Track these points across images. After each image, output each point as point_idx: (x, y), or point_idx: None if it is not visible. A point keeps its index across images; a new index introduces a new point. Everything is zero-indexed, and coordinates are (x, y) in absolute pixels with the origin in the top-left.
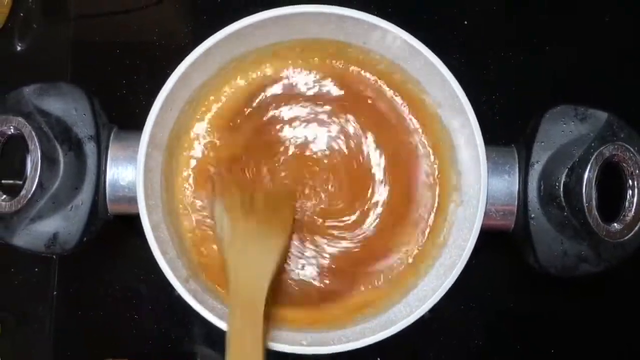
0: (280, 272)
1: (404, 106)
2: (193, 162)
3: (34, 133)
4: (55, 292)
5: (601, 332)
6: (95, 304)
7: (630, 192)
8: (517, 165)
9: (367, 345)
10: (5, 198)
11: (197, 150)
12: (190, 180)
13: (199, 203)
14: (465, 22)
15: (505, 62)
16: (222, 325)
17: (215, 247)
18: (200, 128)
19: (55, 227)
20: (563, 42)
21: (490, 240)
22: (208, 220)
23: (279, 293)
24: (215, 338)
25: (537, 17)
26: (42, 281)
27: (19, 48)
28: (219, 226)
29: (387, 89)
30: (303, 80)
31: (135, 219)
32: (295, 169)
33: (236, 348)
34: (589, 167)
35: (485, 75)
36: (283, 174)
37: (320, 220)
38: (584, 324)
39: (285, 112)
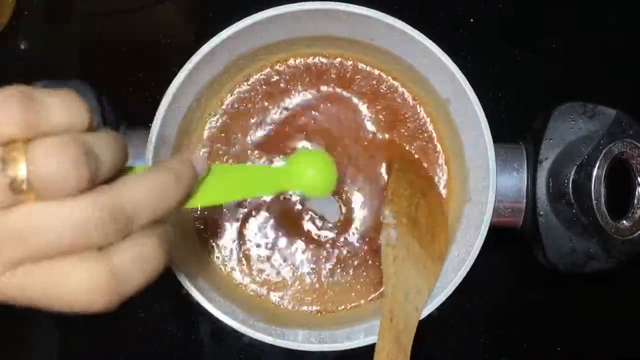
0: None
1: (413, 102)
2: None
3: None
4: None
5: (610, 330)
6: None
7: (639, 189)
8: (525, 162)
9: (374, 343)
10: None
11: (206, 147)
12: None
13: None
14: (472, 20)
15: (512, 59)
16: (229, 322)
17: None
18: (208, 125)
19: None
20: (571, 38)
21: (498, 237)
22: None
23: None
24: (222, 335)
25: (544, 14)
26: None
27: (23, 47)
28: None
29: (396, 85)
30: (311, 76)
31: None
32: None
33: None
34: (597, 164)
35: (492, 72)
36: None
37: None
38: (592, 321)
39: (293, 107)
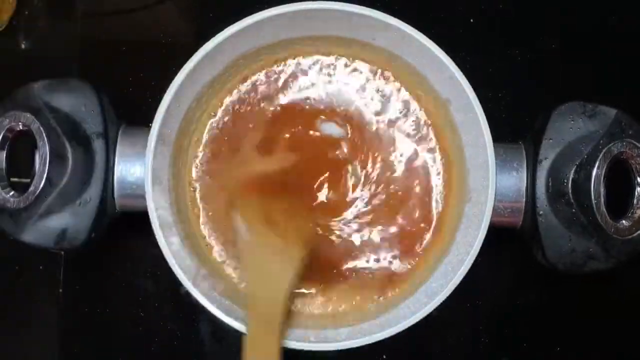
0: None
1: (413, 102)
2: (202, 159)
3: (42, 129)
4: (61, 290)
5: (609, 330)
6: (101, 302)
7: (638, 188)
8: (525, 162)
9: (373, 343)
10: (14, 194)
11: (206, 147)
12: (199, 176)
13: (208, 199)
14: (472, 20)
15: (512, 59)
16: (229, 321)
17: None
18: (208, 124)
19: (64, 223)
20: (570, 38)
21: (498, 236)
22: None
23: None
24: (223, 335)
25: (544, 14)
26: (48, 279)
27: (24, 46)
28: (238, 237)
29: (396, 85)
30: (311, 76)
31: (142, 216)
32: (310, 163)
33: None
34: (597, 163)
35: (492, 72)
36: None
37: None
38: (591, 321)
39: (294, 107)
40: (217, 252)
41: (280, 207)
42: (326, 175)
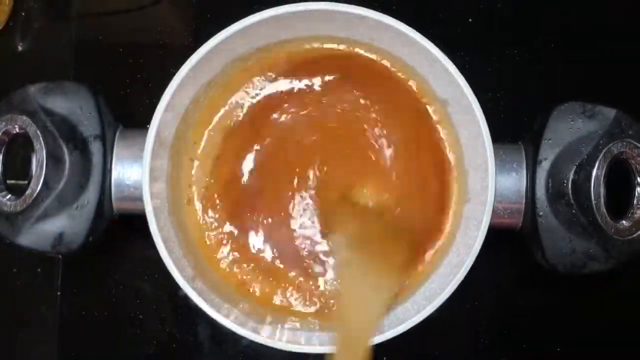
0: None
1: (411, 103)
2: (200, 160)
3: (39, 132)
4: (59, 293)
5: (610, 330)
6: (99, 305)
7: (638, 189)
8: (524, 162)
9: (373, 345)
10: (10, 198)
11: (205, 148)
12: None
13: (206, 201)
14: (470, 20)
15: (510, 59)
16: (228, 324)
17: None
18: (206, 125)
19: (61, 226)
20: (569, 38)
21: (498, 238)
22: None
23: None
24: (221, 338)
25: (543, 14)
26: (45, 282)
27: (20, 48)
28: (338, 258)
29: (395, 85)
30: (310, 76)
31: (140, 218)
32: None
33: None
34: (597, 164)
35: (491, 72)
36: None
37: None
38: (591, 322)
39: (293, 107)
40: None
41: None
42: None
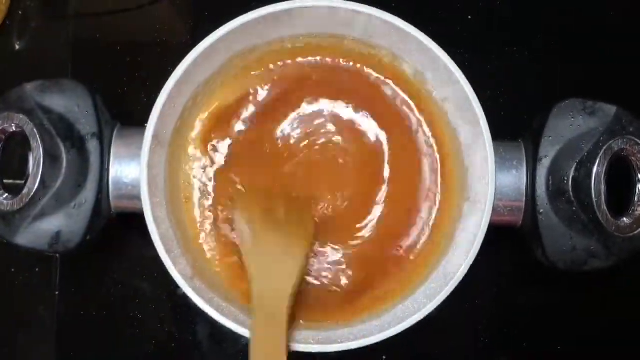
0: (302, 281)
1: (410, 101)
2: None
3: (36, 130)
4: (57, 292)
5: (610, 328)
6: (97, 304)
7: (639, 185)
8: (524, 160)
9: (373, 344)
10: (7, 197)
11: (202, 146)
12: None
13: (204, 200)
14: (470, 17)
15: (510, 58)
16: (227, 323)
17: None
18: (204, 124)
19: (58, 225)
20: (569, 35)
21: (498, 236)
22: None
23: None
24: (220, 337)
25: (542, 11)
26: (43, 281)
27: (17, 47)
28: (240, 236)
29: (392, 84)
30: (307, 76)
31: (138, 217)
32: (305, 166)
33: (259, 357)
34: (597, 161)
35: (490, 70)
36: (292, 171)
37: (331, 219)
38: (592, 320)
39: (289, 107)
40: (215, 253)
41: (280, 204)
42: (324, 172)
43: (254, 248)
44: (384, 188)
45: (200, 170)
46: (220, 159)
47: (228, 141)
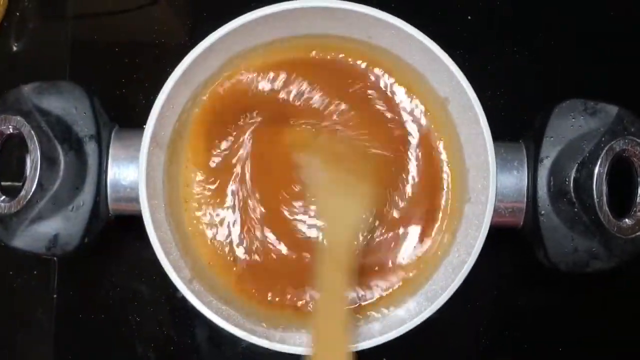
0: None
1: (411, 101)
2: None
3: (33, 132)
4: (55, 295)
5: (612, 330)
6: (96, 307)
7: None
8: (525, 160)
9: (373, 347)
10: (4, 199)
11: (202, 147)
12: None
13: (204, 201)
14: (469, 17)
15: (510, 57)
16: (226, 326)
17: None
18: (204, 124)
19: (56, 228)
20: (570, 35)
21: (499, 237)
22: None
23: None
24: (219, 340)
25: (543, 11)
26: (41, 284)
27: (15, 48)
28: (308, 180)
29: (394, 83)
30: (307, 75)
31: (137, 220)
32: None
33: (327, 296)
34: (599, 162)
35: (491, 70)
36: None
37: None
38: (593, 322)
39: (290, 107)
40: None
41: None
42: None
43: (325, 189)
44: (384, 189)
45: (200, 172)
46: (220, 159)
47: (228, 142)
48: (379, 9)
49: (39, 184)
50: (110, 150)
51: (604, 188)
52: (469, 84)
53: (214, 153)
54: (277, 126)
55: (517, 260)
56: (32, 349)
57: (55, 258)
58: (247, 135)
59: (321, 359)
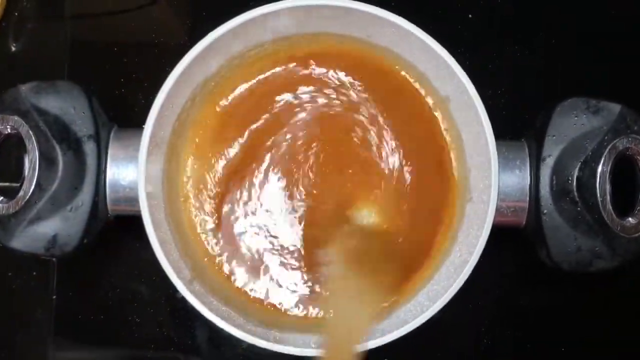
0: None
1: (411, 101)
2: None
3: (31, 132)
4: (54, 296)
5: (615, 330)
6: (95, 308)
7: None
8: (528, 159)
9: (373, 348)
10: (2, 200)
11: (201, 148)
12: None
13: (204, 202)
14: (470, 16)
15: (512, 55)
16: (226, 327)
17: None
18: (203, 124)
19: (55, 228)
20: (571, 34)
21: (501, 236)
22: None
23: None
24: (219, 341)
25: (544, 9)
26: (40, 285)
27: (13, 48)
28: (330, 275)
29: (394, 83)
30: (307, 74)
31: (136, 220)
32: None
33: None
34: (602, 160)
35: (492, 69)
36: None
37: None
38: (596, 322)
39: (290, 107)
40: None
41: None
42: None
43: (342, 289)
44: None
45: (200, 172)
46: (219, 159)
47: (227, 142)
48: (379, 7)
49: (38, 184)
50: (109, 150)
51: (607, 187)
52: (470, 83)
53: (214, 153)
54: (277, 127)
55: (520, 259)
56: (31, 349)
57: (54, 259)
58: (247, 137)
59: None
